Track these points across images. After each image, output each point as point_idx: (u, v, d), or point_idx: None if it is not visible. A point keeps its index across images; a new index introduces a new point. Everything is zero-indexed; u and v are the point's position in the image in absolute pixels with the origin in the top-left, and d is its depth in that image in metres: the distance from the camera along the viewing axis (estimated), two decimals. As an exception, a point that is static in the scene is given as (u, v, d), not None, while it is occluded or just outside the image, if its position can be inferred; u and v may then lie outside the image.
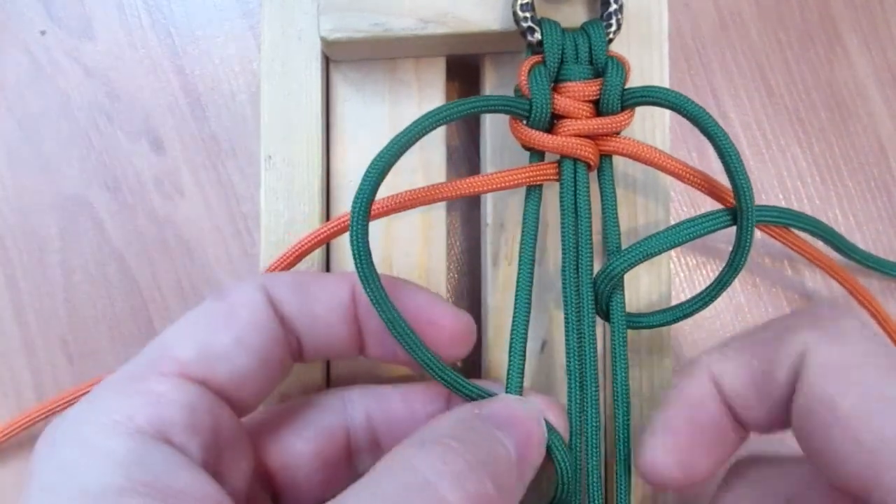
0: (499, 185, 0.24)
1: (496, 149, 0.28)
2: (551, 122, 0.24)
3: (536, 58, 0.24)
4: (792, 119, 0.33)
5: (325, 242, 0.25)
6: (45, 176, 0.32)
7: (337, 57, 0.28)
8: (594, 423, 0.24)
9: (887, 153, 0.33)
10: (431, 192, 0.24)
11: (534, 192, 0.25)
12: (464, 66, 0.30)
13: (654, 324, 0.25)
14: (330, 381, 0.28)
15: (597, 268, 0.25)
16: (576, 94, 0.24)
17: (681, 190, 0.32)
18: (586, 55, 0.24)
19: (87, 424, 0.19)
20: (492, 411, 0.22)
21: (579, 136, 0.24)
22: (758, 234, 0.25)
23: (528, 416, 0.22)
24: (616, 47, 0.25)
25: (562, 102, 0.24)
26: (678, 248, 0.32)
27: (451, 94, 0.30)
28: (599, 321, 0.25)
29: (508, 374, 0.24)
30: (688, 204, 0.33)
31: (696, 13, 0.33)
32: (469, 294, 0.32)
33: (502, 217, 0.28)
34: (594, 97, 0.24)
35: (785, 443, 0.22)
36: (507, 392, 0.23)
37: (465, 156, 0.32)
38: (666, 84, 0.27)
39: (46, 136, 0.32)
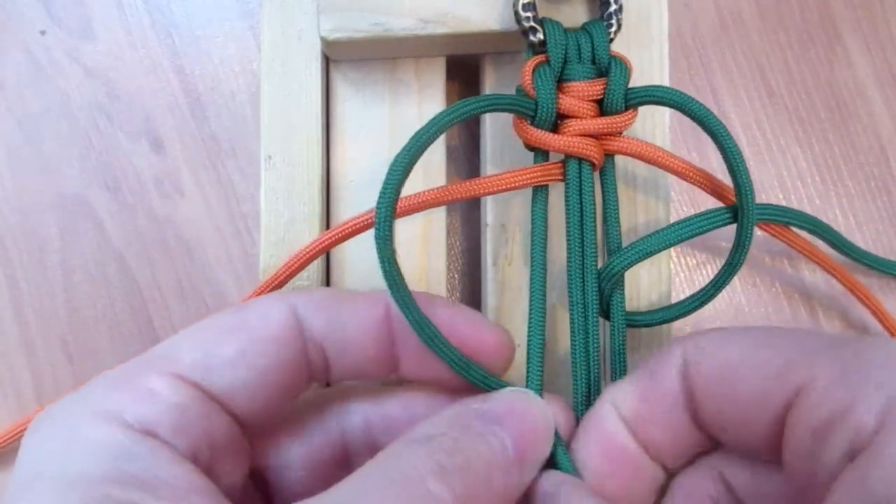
0: (508, 186, 0.24)
1: (496, 149, 0.28)
2: (555, 122, 0.24)
3: (540, 57, 0.24)
4: (792, 119, 0.33)
5: (332, 247, 0.25)
6: (45, 176, 0.32)
7: (337, 57, 0.28)
8: None
9: (887, 153, 0.33)
10: (443, 194, 0.24)
11: (540, 192, 0.25)
12: (464, 66, 0.30)
13: (654, 322, 0.25)
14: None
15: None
16: (580, 94, 0.24)
17: (681, 189, 0.32)
18: (589, 55, 0.24)
19: (74, 415, 0.19)
20: (490, 406, 0.21)
21: (584, 135, 0.24)
22: (758, 232, 0.25)
23: (529, 412, 0.21)
24: (616, 47, 0.25)
25: (566, 102, 0.24)
26: (678, 248, 0.32)
27: (451, 94, 0.30)
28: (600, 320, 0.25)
29: (528, 372, 0.23)
30: (688, 203, 0.33)
31: (696, 13, 0.33)
32: (469, 294, 0.32)
33: (502, 217, 0.28)
34: (598, 97, 0.24)
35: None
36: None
37: (465, 156, 0.32)
38: (666, 84, 0.27)
39: (46, 136, 0.32)
